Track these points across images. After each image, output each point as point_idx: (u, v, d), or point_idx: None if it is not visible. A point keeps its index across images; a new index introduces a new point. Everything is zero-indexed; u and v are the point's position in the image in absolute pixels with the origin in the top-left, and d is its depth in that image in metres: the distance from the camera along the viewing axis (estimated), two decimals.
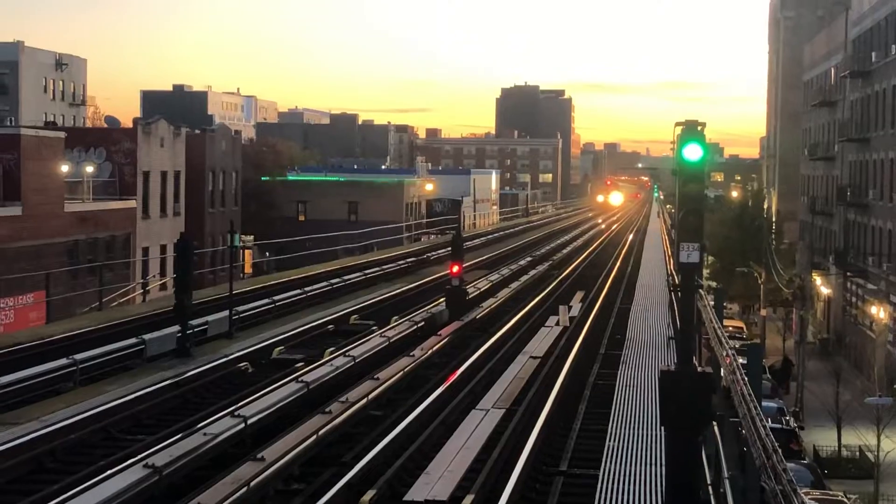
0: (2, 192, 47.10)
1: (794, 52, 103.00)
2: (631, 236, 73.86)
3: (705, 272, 72.48)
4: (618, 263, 59.78)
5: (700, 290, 23.46)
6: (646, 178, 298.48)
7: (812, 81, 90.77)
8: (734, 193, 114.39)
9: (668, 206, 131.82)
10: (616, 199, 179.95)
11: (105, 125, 74.58)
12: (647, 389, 22.88)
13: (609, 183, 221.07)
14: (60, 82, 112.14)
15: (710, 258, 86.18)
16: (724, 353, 20.01)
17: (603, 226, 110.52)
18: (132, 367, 23.71)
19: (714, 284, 71.07)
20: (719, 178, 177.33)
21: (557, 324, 32.96)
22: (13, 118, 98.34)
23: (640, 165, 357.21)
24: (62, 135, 53.08)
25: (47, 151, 49.55)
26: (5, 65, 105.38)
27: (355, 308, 34.27)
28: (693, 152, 15.37)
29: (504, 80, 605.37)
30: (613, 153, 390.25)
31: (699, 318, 23.76)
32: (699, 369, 16.74)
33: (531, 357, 26.68)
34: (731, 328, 60.70)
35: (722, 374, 20.40)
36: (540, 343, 29.06)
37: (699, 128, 15.50)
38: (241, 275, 52.35)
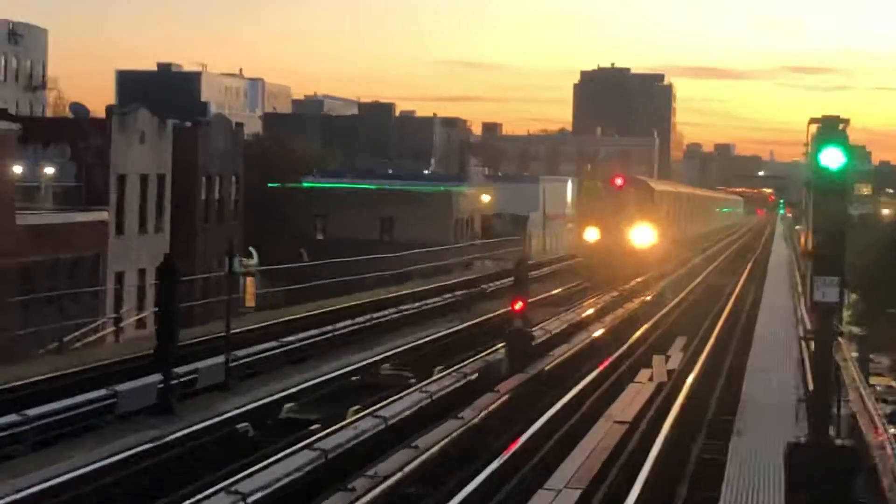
0: None
1: None
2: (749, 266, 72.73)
3: (846, 315, 71.95)
4: (731, 300, 59.47)
5: (840, 339, 23.35)
6: (769, 191, 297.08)
7: None
8: (885, 211, 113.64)
9: (797, 228, 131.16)
10: (644, 237, 73.49)
11: (70, 115, 75.35)
12: (769, 467, 22.70)
13: (622, 182, 72.83)
14: (14, 59, 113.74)
15: (853, 296, 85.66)
16: (871, 421, 19.86)
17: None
18: (100, 427, 23.86)
19: (858, 331, 70.54)
20: (866, 190, 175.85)
21: (651, 379, 32.87)
22: None
23: (761, 174, 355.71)
24: (15, 126, 53.68)
25: None
26: None
27: (387, 354, 34.34)
28: (832, 158, 15.34)
29: (585, 62, 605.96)
30: (726, 157, 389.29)
31: (838, 376, 23.60)
32: (838, 442, 16.63)
33: (616, 422, 26.63)
34: (880, 388, 60.17)
35: (868, 448, 20.23)
36: (628, 404, 29.00)
37: (840, 126, 15.45)
38: (241, 309, 52.61)
